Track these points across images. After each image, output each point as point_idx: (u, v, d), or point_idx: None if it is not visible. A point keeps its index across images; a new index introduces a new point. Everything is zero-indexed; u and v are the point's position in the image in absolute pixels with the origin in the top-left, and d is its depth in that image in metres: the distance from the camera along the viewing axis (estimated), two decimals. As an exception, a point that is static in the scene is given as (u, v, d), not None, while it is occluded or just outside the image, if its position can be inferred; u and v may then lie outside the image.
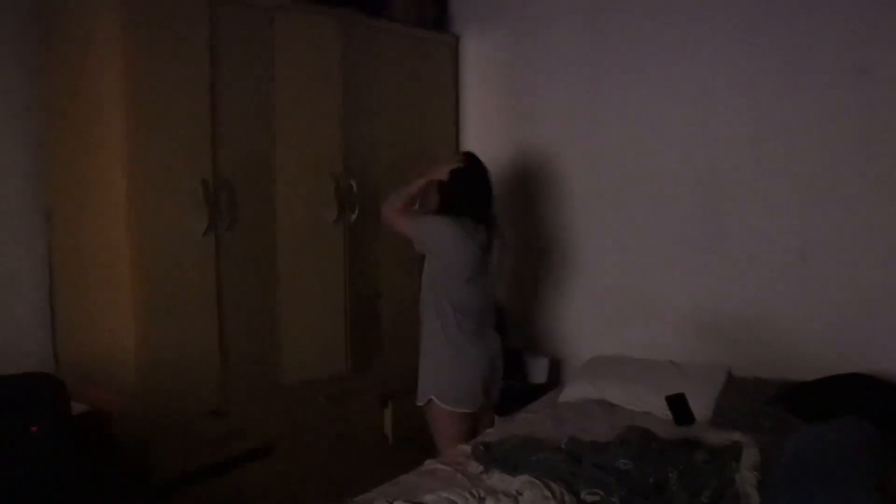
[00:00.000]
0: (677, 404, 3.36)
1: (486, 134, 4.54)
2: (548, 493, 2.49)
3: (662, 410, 3.40)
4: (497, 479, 2.70)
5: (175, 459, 3.15)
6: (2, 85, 3.21)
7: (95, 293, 3.17)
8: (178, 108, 3.09)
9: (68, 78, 3.16)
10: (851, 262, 3.52)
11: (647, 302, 4.06)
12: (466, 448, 3.08)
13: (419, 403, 3.48)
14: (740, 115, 3.74)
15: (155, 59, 3.01)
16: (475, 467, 2.88)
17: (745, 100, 3.72)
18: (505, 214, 4.37)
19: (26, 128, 3.27)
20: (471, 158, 3.52)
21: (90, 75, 3.06)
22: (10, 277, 3.27)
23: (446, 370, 3.42)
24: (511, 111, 4.47)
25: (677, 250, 3.96)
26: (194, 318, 3.19)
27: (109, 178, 3.01)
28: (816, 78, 3.53)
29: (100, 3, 2.98)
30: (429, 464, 2.99)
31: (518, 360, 4.22)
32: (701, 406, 3.38)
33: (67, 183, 3.23)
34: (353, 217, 3.76)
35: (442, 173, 3.45)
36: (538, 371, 4.20)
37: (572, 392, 3.77)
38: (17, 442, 2.52)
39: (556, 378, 4.28)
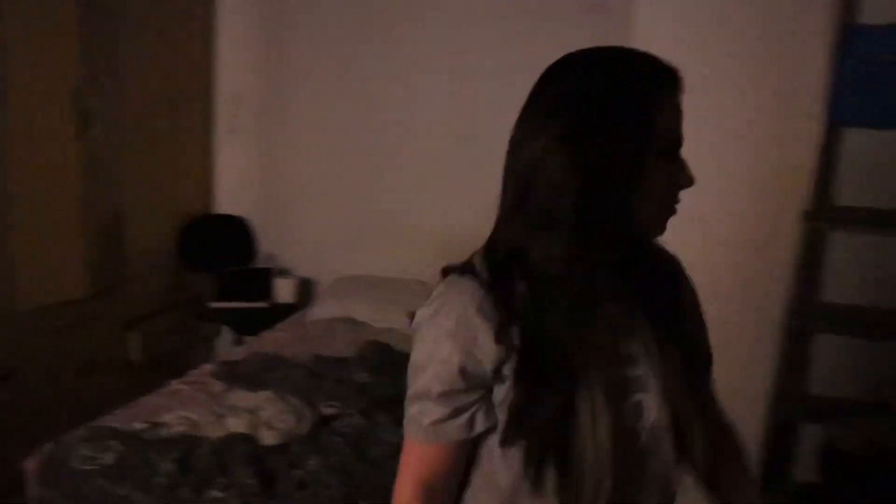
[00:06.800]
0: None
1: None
2: (287, 408, 2.58)
3: (406, 326, 3.52)
4: (239, 396, 2.75)
5: None
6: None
7: None
8: None
9: None
10: None
11: (390, 222, 4.16)
12: (210, 367, 3.11)
13: None
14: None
15: None
16: (217, 386, 2.92)
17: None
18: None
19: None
20: None
21: None
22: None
23: None
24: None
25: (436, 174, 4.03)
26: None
27: None
28: None
29: None
30: (171, 384, 2.99)
31: (266, 280, 4.25)
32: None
33: None
34: (94, 133, 3.57)
35: None
36: (286, 291, 4.25)
37: (320, 311, 3.87)
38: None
39: (306, 298, 4.34)
